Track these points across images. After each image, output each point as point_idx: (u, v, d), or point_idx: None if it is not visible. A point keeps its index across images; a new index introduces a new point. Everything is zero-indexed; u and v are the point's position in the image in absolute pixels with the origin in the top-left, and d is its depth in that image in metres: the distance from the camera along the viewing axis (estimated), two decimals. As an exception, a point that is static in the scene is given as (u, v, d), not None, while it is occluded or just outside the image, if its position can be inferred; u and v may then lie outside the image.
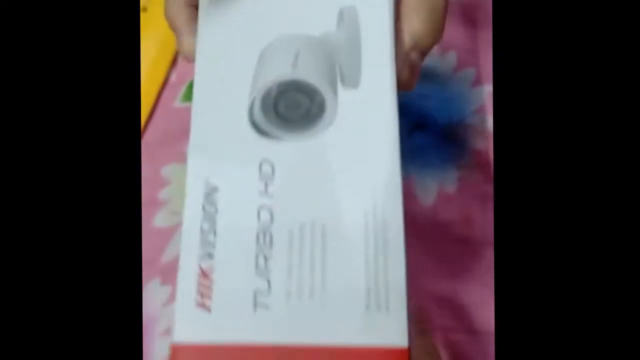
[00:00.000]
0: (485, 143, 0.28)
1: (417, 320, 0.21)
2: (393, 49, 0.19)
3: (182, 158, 0.28)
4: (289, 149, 0.18)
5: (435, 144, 0.28)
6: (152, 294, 0.26)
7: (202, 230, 0.17)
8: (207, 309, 0.16)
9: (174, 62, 0.30)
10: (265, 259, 0.17)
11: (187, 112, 0.18)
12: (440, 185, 0.27)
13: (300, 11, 0.20)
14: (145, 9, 0.31)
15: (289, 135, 0.18)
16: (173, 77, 0.30)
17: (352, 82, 0.19)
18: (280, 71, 0.19)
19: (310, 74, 0.19)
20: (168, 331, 0.26)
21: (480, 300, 0.25)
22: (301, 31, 0.19)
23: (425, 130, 0.28)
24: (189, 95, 0.29)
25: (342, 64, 0.19)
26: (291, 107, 0.18)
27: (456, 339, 0.25)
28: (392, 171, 0.18)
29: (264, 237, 0.17)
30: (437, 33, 0.20)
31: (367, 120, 0.18)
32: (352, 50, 0.19)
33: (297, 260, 0.17)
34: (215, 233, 0.17)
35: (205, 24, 0.20)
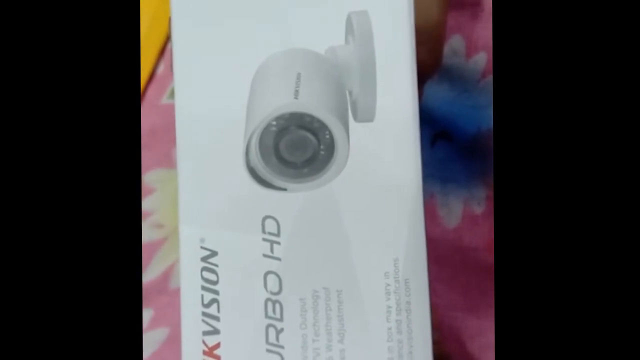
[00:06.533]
0: (518, 157, 0.25)
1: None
2: (415, 68, 0.16)
3: (168, 162, 0.26)
4: (295, 202, 0.16)
5: (461, 157, 0.25)
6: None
7: (203, 303, 0.15)
8: None
9: (162, 51, 0.27)
10: (277, 332, 0.15)
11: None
12: (465, 205, 0.25)
13: (297, 19, 0.16)
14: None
15: (293, 184, 0.15)
16: (160, 69, 0.27)
17: (366, 114, 0.16)
18: (279, 102, 0.15)
19: (316, 105, 0.15)
20: None
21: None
22: (300, 46, 0.16)
23: (449, 141, 0.25)
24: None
25: (353, 89, 0.16)
26: (294, 149, 0.16)
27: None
28: (416, 223, 0.16)
29: (274, 307, 0.15)
30: None
31: (385, 163, 0.16)
32: (365, 71, 0.16)
33: (311, 333, 0.15)
34: (218, 305, 0.15)
35: (180, 47, 0.16)
